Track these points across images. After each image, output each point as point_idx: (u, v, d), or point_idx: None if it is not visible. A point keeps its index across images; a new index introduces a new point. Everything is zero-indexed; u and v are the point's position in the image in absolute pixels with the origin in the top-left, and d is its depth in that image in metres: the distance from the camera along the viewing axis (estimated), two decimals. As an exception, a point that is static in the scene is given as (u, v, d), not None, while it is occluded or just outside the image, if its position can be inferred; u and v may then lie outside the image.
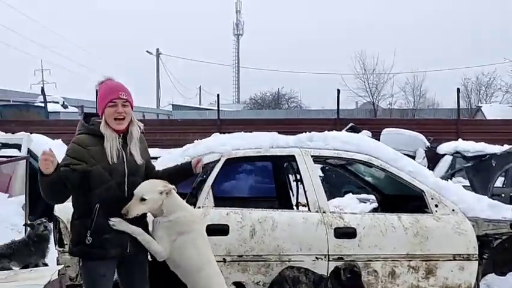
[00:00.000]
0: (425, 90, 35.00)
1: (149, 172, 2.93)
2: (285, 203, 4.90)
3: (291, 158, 4.00)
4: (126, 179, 2.70)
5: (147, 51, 36.30)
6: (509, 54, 28.43)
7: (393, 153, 4.05)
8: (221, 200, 4.05)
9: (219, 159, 3.80)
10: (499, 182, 7.54)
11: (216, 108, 15.17)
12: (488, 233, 3.78)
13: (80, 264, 2.85)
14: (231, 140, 4.06)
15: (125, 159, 2.71)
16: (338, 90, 13.99)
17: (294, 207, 4.89)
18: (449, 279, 3.71)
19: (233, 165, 4.68)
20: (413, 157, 9.35)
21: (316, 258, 3.60)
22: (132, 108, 2.78)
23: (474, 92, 36.18)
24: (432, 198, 3.79)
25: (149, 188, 2.73)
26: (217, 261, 3.19)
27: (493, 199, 5.37)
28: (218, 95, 14.85)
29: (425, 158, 9.77)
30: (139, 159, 2.76)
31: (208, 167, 3.74)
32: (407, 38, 57.87)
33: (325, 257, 3.60)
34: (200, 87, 49.34)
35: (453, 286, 3.72)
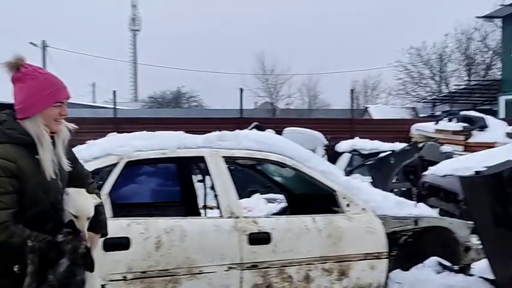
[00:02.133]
0: (319, 92, 37.01)
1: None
2: (192, 208, 4.54)
3: (200, 160, 3.67)
4: (61, 196, 2.10)
5: (31, 43, 33.02)
6: (392, 60, 31.12)
7: (306, 153, 3.94)
8: (121, 208, 3.58)
9: (118, 163, 3.33)
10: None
11: (112, 106, 14.23)
12: (396, 230, 3.84)
13: None
14: (131, 141, 3.61)
15: (57, 169, 2.09)
16: (241, 89, 14.02)
17: (202, 211, 4.58)
18: (361, 279, 3.68)
19: (134, 169, 4.21)
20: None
21: (230, 268, 3.31)
22: None
23: (361, 94, 39.15)
24: (344, 198, 3.74)
25: (90, 204, 2.12)
26: (116, 280, 2.74)
27: (391, 194, 5.57)
28: (114, 92, 13.98)
29: (325, 156, 10.10)
30: (66, 166, 2.14)
31: (105, 172, 3.26)
32: (304, 41, 60.55)
33: (239, 266, 3.33)
34: (93, 84, 46.31)
35: (365, 286, 3.70)
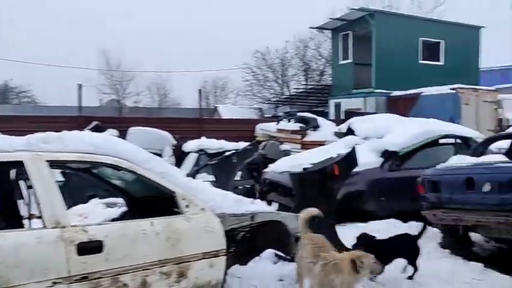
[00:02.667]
0: (169, 90, 36.69)
1: None
2: (12, 219, 4.01)
3: (19, 164, 3.25)
4: None
5: None
6: (239, 62, 32.61)
7: (144, 155, 3.81)
8: None
9: None
10: (237, 175, 8.35)
11: None
12: (234, 227, 3.99)
13: None
14: None
15: None
16: (80, 85, 12.97)
17: (27, 221, 4.09)
18: (200, 279, 3.71)
19: None
20: (160, 155, 9.44)
21: (54, 283, 3.00)
22: None
23: (211, 94, 40.08)
24: (183, 199, 3.74)
25: None
26: None
27: (233, 192, 5.79)
28: None
29: (173, 156, 10.02)
30: None
31: None
32: (154, 38, 59.06)
33: (65, 280, 3.04)
34: None
35: (204, 284, 3.75)
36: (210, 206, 3.87)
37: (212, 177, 6.90)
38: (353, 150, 4.94)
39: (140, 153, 3.79)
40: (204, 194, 3.94)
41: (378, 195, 7.66)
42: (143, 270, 3.40)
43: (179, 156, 9.79)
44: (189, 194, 3.79)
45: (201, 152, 9.04)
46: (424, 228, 4.50)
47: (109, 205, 5.74)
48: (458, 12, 25.52)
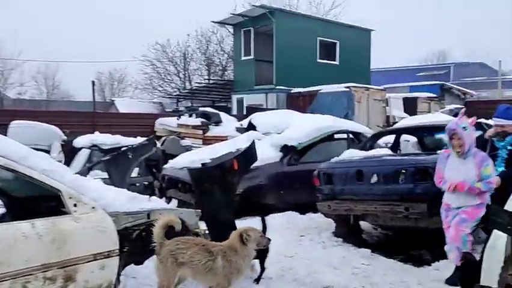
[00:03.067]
0: (59, 82, 34.09)
1: None
2: None
3: None
4: None
5: None
6: (138, 54, 31.34)
7: (23, 150, 3.43)
8: None
9: None
10: (135, 172, 7.99)
11: None
12: (127, 226, 3.78)
13: None
14: None
15: None
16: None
17: None
18: (90, 282, 3.46)
19: None
20: (48, 151, 8.69)
21: None
22: None
23: (108, 86, 38.07)
24: (70, 198, 3.44)
25: None
26: None
27: (130, 189, 5.51)
28: None
29: (62, 152, 9.27)
30: None
31: None
32: (40, 27, 54.20)
33: None
34: None
35: (95, 287, 3.50)
36: (102, 204, 3.62)
37: (106, 175, 6.50)
38: (253, 145, 4.98)
39: (18, 149, 3.40)
40: (94, 192, 3.67)
41: (277, 188, 7.85)
42: (23, 276, 3.06)
43: (70, 153, 9.08)
44: (77, 193, 3.49)
45: (94, 147, 8.48)
46: (264, 225, 4.56)
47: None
48: (354, 15, 27.30)
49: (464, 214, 4.24)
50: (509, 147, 4.67)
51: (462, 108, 19.38)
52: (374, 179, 6.01)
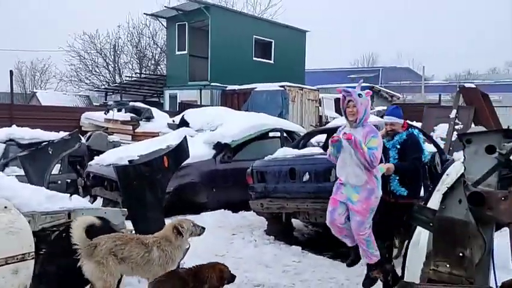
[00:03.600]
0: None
1: None
2: None
3: None
4: None
5: None
6: (63, 44, 29.58)
7: None
8: None
9: None
10: (56, 169, 7.47)
11: None
12: (45, 226, 3.48)
13: None
14: None
15: None
16: None
17: None
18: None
19: None
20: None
21: None
22: None
23: (29, 77, 35.58)
24: (5, 207, 3.11)
25: None
26: None
27: (50, 187, 5.11)
28: None
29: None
30: None
31: None
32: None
33: None
34: None
35: (3, 296, 3.18)
36: (15, 203, 3.29)
37: (23, 172, 5.99)
38: (184, 142, 4.81)
39: None
40: (7, 190, 3.35)
41: (210, 186, 7.74)
42: None
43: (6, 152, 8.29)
44: (-14, 191, 3.15)
45: (11, 142, 7.81)
46: None
47: None
48: (291, 15, 27.67)
49: (358, 216, 3.94)
50: (398, 146, 4.59)
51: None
52: (306, 177, 6.09)
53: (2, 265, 3.14)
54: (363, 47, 78.31)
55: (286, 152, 6.96)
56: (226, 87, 19.11)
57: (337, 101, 20.33)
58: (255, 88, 16.82)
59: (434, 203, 3.23)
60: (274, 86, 16.70)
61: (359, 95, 3.95)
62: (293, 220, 6.82)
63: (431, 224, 2.78)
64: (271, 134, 8.80)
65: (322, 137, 8.61)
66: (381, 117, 16.51)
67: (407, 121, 4.93)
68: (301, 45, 24.17)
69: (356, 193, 3.94)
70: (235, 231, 6.73)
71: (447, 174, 3.46)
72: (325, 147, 7.93)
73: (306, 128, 13.61)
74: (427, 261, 2.77)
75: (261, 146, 8.26)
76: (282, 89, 16.47)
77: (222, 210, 7.51)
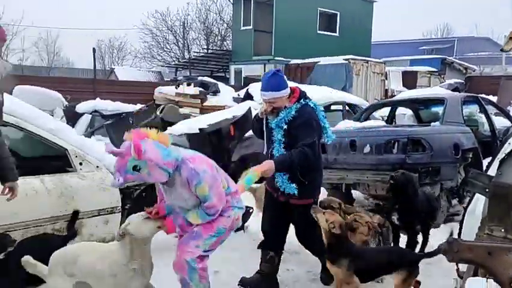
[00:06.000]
0: (60, 48, 33.86)
1: None
2: None
3: None
4: None
5: None
6: (137, 22, 30.99)
7: (32, 110, 3.63)
8: None
9: None
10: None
11: None
12: (129, 185, 3.99)
13: None
14: None
15: None
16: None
17: None
18: (94, 235, 3.72)
19: None
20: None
21: None
22: None
23: (108, 54, 37.78)
24: (76, 156, 3.66)
25: None
26: None
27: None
28: None
29: (64, 118, 9.46)
30: None
31: None
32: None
33: None
34: None
35: (98, 240, 3.76)
36: (105, 164, 3.83)
37: (107, 139, 6.68)
38: (248, 113, 5.15)
39: (28, 109, 3.60)
40: (98, 152, 3.88)
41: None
42: (34, 227, 3.32)
43: (72, 118, 9.27)
44: (82, 152, 3.71)
45: (96, 113, 8.66)
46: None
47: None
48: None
49: (198, 226, 2.88)
50: (284, 126, 3.36)
51: (462, 82, 19.49)
52: (367, 149, 6.21)
53: (96, 216, 3.72)
54: (436, 17, 73.80)
55: (347, 125, 7.08)
56: (289, 61, 19.20)
57: (405, 74, 19.72)
58: (319, 62, 16.77)
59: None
60: (338, 60, 16.54)
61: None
62: (353, 192, 6.96)
63: (487, 190, 2.88)
64: (333, 108, 8.90)
65: (386, 111, 8.57)
66: (453, 90, 15.79)
67: (298, 87, 3.57)
68: (368, 17, 23.49)
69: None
70: (296, 200, 7.02)
71: (509, 143, 3.49)
72: (389, 121, 7.93)
73: (370, 102, 13.48)
74: (482, 226, 2.89)
75: (323, 118, 8.40)
76: (346, 62, 16.28)
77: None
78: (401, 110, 8.95)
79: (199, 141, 4.64)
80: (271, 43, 20.37)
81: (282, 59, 19.54)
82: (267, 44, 20.45)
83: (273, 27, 20.36)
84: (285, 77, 3.44)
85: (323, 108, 3.62)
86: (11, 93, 9.41)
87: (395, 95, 16.27)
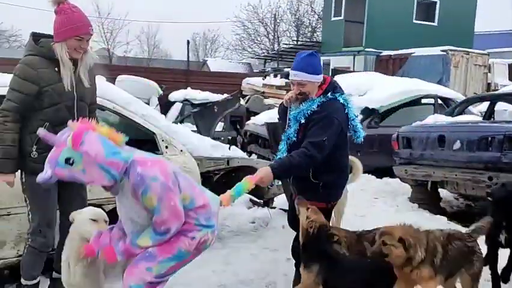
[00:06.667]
0: (159, 41, 36.09)
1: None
2: None
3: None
4: (75, 103, 2.86)
5: None
6: (230, 15, 31.95)
7: (127, 97, 3.98)
8: None
9: None
10: (219, 127, 8.57)
11: None
12: (209, 169, 4.23)
13: (24, 178, 2.86)
14: None
15: (74, 84, 2.84)
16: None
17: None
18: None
19: None
20: (147, 104, 9.58)
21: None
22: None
23: (202, 47, 39.47)
24: (163, 140, 3.94)
25: None
26: None
27: (214, 141, 5.96)
28: None
29: (158, 105, 10.17)
30: (86, 83, 2.91)
31: None
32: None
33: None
34: None
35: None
36: (188, 148, 4.08)
37: (195, 127, 7.11)
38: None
39: (122, 95, 3.95)
40: (182, 138, 4.14)
41: (354, 150, 7.88)
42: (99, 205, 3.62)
43: (165, 106, 9.94)
44: (169, 137, 3.99)
45: (186, 102, 9.20)
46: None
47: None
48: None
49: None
50: (302, 120, 2.89)
51: None
52: (457, 145, 5.84)
53: None
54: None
55: (437, 119, 6.73)
56: (380, 52, 18.50)
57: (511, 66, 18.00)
58: (413, 53, 15.95)
59: None
60: (434, 51, 15.57)
61: None
62: (441, 190, 6.61)
63: None
64: (424, 101, 8.48)
65: (485, 105, 7.95)
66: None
67: (331, 77, 3.11)
68: (471, 4, 21.74)
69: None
70: (377, 196, 6.84)
71: None
72: (487, 116, 7.34)
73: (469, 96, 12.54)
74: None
75: (411, 112, 8.04)
76: (444, 53, 15.28)
77: (366, 174, 7.66)
78: (502, 106, 8.24)
79: (278, 130, 4.72)
80: (362, 34, 19.80)
81: (373, 50, 18.89)
82: (358, 35, 19.92)
83: (365, 17, 19.76)
84: (321, 62, 3.04)
85: (348, 106, 2.99)
86: (113, 82, 10.41)
87: (498, 89, 14.95)
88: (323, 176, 2.92)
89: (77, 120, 2.38)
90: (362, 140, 3.04)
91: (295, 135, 2.96)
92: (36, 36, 2.88)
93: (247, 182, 2.69)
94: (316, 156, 2.75)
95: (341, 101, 2.92)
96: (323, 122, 2.81)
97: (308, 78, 2.87)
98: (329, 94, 2.91)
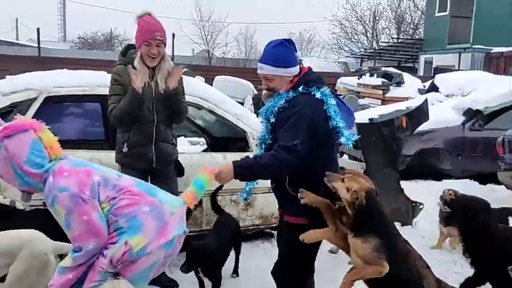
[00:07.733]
0: (256, 42, 37.01)
1: None
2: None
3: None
4: (153, 105, 3.17)
5: None
6: (327, 14, 31.70)
7: (221, 97, 4.25)
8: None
9: (36, 97, 3.45)
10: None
11: (37, 45, 13.53)
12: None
13: (120, 170, 3.10)
14: (53, 77, 3.72)
15: (153, 87, 3.16)
16: (173, 35, 13.86)
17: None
18: (264, 210, 4.19)
19: (55, 105, 4.26)
20: (242, 103, 9.98)
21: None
22: (165, 46, 3.16)
23: (298, 46, 39.64)
24: (253, 138, 4.14)
25: None
26: None
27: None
28: (38, 29, 13.21)
29: (252, 105, 10.51)
30: (161, 88, 3.15)
31: (23, 106, 3.38)
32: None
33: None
34: (17, 20, 42.56)
35: (267, 216, 4.23)
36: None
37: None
38: (424, 104, 4.96)
39: (216, 95, 4.23)
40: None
41: (455, 154, 7.51)
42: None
43: (258, 105, 10.25)
44: (259, 134, 4.18)
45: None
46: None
47: (192, 143, 6.36)
48: None
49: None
50: (271, 118, 2.51)
51: None
52: None
53: (267, 192, 3.89)
54: None
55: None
56: (491, 49, 17.04)
57: None
58: (529, 50, 14.48)
59: None
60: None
61: None
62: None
63: None
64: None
65: None
66: None
67: (311, 68, 2.66)
68: None
69: None
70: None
71: None
72: None
73: None
74: None
75: (521, 115, 7.41)
76: None
77: (467, 180, 7.23)
78: None
79: (369, 131, 4.70)
80: (470, 29, 18.39)
81: (482, 47, 17.47)
82: (465, 31, 18.55)
83: (473, 12, 18.33)
84: (295, 52, 2.55)
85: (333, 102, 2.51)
86: (211, 84, 11.00)
87: None
88: (301, 184, 2.44)
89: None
90: (351, 145, 2.47)
91: (269, 136, 2.60)
92: (127, 49, 3.34)
93: (204, 174, 2.49)
94: (288, 160, 2.33)
95: (317, 95, 2.44)
96: (291, 121, 2.37)
97: (274, 71, 2.47)
98: (300, 88, 2.46)
